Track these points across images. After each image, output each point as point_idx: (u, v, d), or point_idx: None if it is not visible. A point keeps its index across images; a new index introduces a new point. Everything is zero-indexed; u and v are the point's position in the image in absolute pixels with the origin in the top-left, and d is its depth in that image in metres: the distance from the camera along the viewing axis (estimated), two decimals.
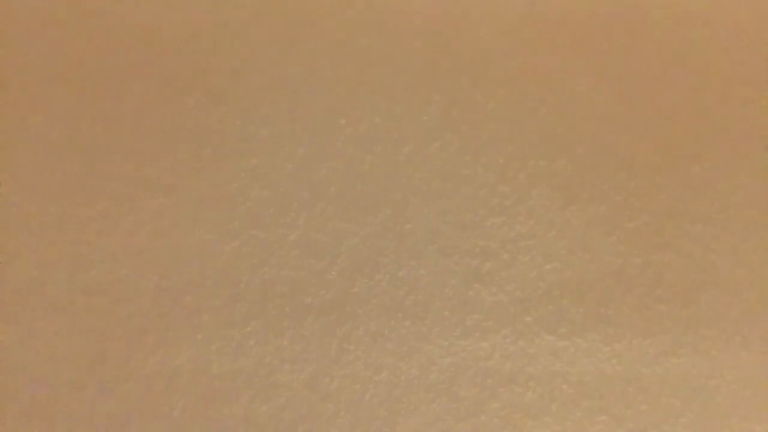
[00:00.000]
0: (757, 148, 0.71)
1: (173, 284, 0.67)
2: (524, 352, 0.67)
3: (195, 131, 0.70)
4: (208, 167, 0.69)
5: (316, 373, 0.66)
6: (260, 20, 0.73)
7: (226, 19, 0.73)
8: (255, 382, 0.66)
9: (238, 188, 0.69)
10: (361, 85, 0.71)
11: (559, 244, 0.69)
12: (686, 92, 0.72)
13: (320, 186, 0.70)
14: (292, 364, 0.66)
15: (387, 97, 0.71)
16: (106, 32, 0.74)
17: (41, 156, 0.70)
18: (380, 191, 0.70)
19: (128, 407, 0.65)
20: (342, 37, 0.72)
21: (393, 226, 0.69)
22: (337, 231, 0.69)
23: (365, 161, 0.70)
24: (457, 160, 0.70)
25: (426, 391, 0.66)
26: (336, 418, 0.66)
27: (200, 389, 0.66)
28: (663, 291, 0.68)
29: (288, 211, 0.69)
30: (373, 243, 0.69)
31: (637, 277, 0.68)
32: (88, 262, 0.67)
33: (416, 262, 0.68)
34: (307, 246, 0.68)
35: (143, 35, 0.73)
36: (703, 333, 0.67)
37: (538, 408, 0.66)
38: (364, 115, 0.71)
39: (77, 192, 0.69)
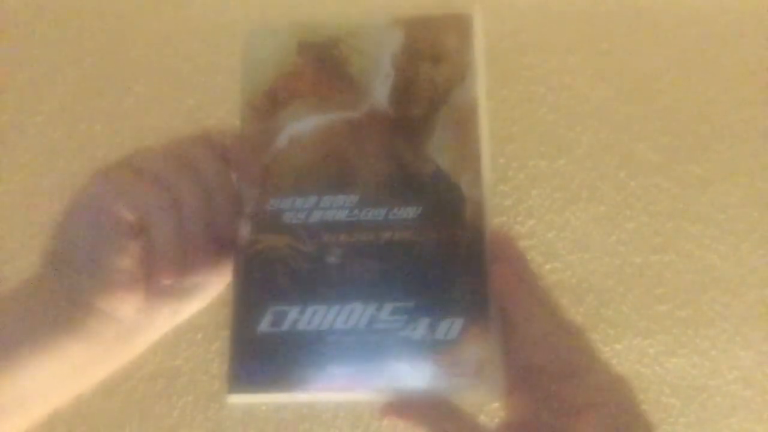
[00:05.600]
0: (757, 148, 0.71)
1: None
2: None
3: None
4: None
5: None
6: (260, 20, 0.73)
7: (226, 19, 0.73)
8: None
9: None
10: None
11: (559, 244, 0.69)
12: (686, 92, 0.72)
13: None
14: None
15: None
16: (106, 32, 0.74)
17: (41, 156, 0.70)
18: None
19: (128, 407, 0.65)
20: None
21: None
22: None
23: None
24: None
25: None
26: (336, 419, 0.66)
27: (200, 389, 0.66)
28: (663, 291, 0.68)
29: None
30: None
31: (637, 277, 0.68)
32: None
33: None
34: None
35: (144, 35, 0.73)
36: (703, 333, 0.67)
37: None
38: None
39: None
